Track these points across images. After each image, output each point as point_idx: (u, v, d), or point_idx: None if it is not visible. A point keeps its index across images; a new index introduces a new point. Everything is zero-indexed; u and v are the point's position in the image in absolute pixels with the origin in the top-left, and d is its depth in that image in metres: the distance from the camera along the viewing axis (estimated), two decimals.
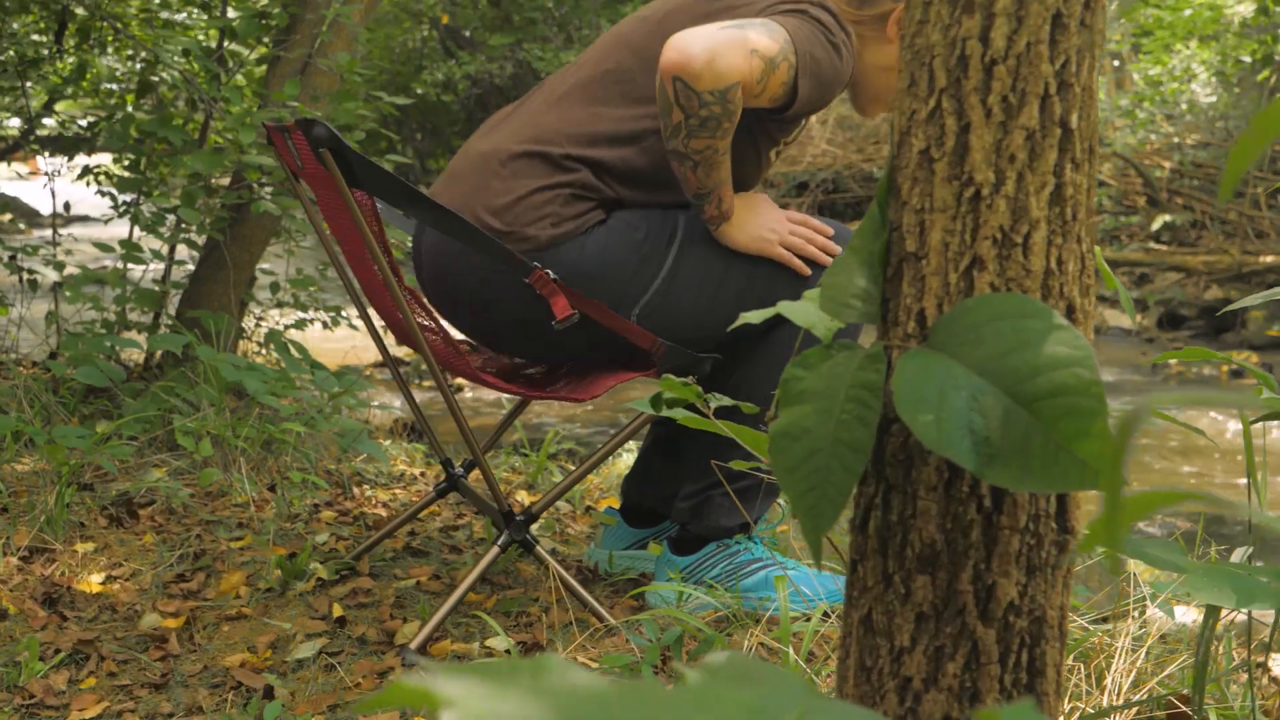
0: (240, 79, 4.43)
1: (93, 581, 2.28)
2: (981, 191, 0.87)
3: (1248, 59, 10.08)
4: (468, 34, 15.98)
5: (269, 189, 3.63)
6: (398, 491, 3.03)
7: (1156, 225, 10.94)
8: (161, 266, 4.06)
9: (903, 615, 0.90)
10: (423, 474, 3.26)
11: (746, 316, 1.04)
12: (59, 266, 4.01)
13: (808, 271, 2.05)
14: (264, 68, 4.68)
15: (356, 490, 2.96)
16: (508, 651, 1.92)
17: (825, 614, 1.99)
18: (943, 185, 0.88)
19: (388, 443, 3.56)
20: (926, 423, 0.82)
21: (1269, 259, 10.00)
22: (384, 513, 2.80)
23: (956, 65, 0.87)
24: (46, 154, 5.03)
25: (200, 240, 3.94)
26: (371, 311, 2.27)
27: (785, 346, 2.03)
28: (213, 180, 4.15)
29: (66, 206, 4.71)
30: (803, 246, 2.04)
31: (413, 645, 1.89)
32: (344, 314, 4.46)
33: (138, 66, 5.32)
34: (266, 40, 4.34)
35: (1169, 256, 10.50)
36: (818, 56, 1.90)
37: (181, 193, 3.51)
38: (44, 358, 4.27)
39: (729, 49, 1.81)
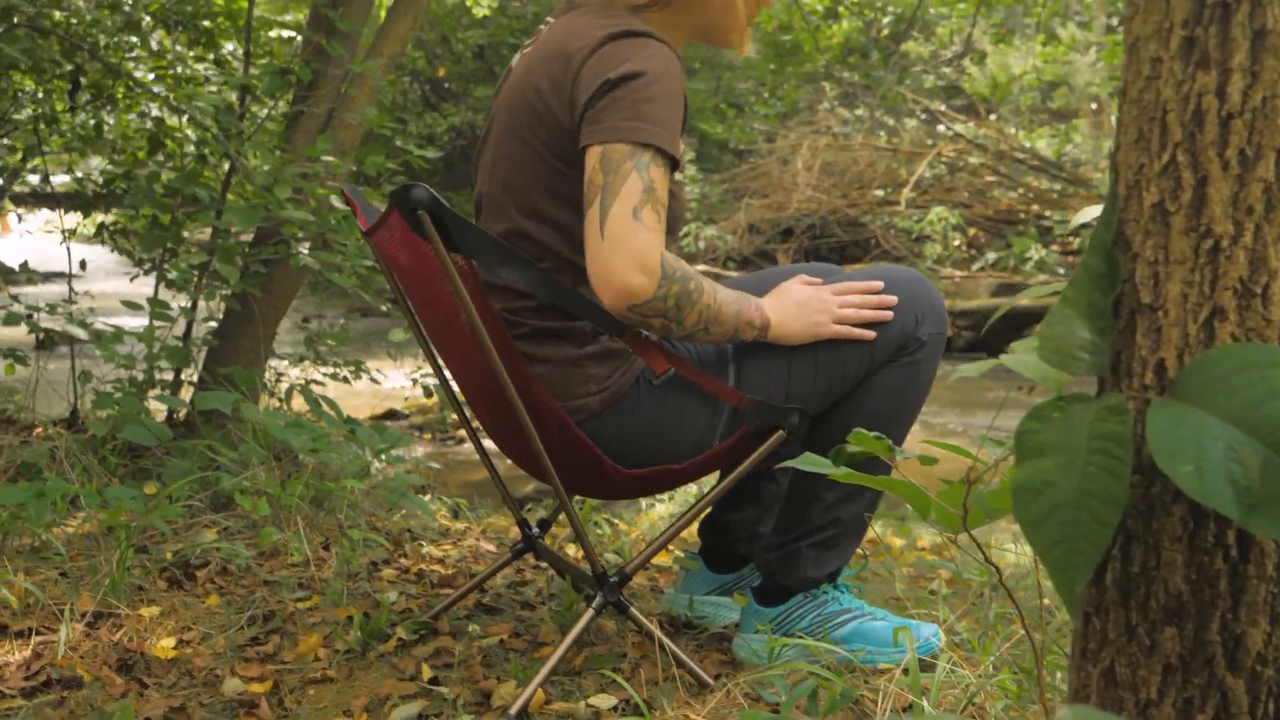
0: (265, 131, 4.42)
1: (165, 646, 2.25)
2: (1220, 243, 0.88)
3: None
4: (448, 85, 16.06)
5: (306, 243, 3.63)
6: (448, 548, 3.01)
7: None
8: (181, 322, 4.04)
9: (1148, 667, 0.90)
10: (468, 528, 3.24)
11: (964, 369, 1.04)
12: (84, 324, 3.99)
13: (871, 336, 2.00)
14: (277, 123, 4.68)
15: (408, 547, 2.94)
16: (614, 709, 1.90)
17: (923, 663, 1.98)
18: (1180, 238, 0.89)
19: (427, 497, 3.54)
20: (1187, 473, 0.83)
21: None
22: (442, 569, 2.78)
23: (1191, 120, 0.88)
24: (62, 211, 5.00)
25: (230, 295, 3.92)
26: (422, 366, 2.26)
27: (878, 395, 2.02)
28: (238, 235, 4.14)
29: (83, 264, 4.69)
30: (857, 315, 2.00)
31: (513, 710, 1.87)
32: (365, 368, 4.45)
33: (148, 124, 5.33)
34: (287, 96, 4.35)
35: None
36: (658, 114, 1.80)
37: (218, 249, 3.50)
38: (64, 416, 4.24)
39: (633, 243, 1.76)
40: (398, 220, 1.86)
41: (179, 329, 4.12)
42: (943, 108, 13.65)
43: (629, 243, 1.77)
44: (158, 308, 3.76)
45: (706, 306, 1.87)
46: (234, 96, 4.38)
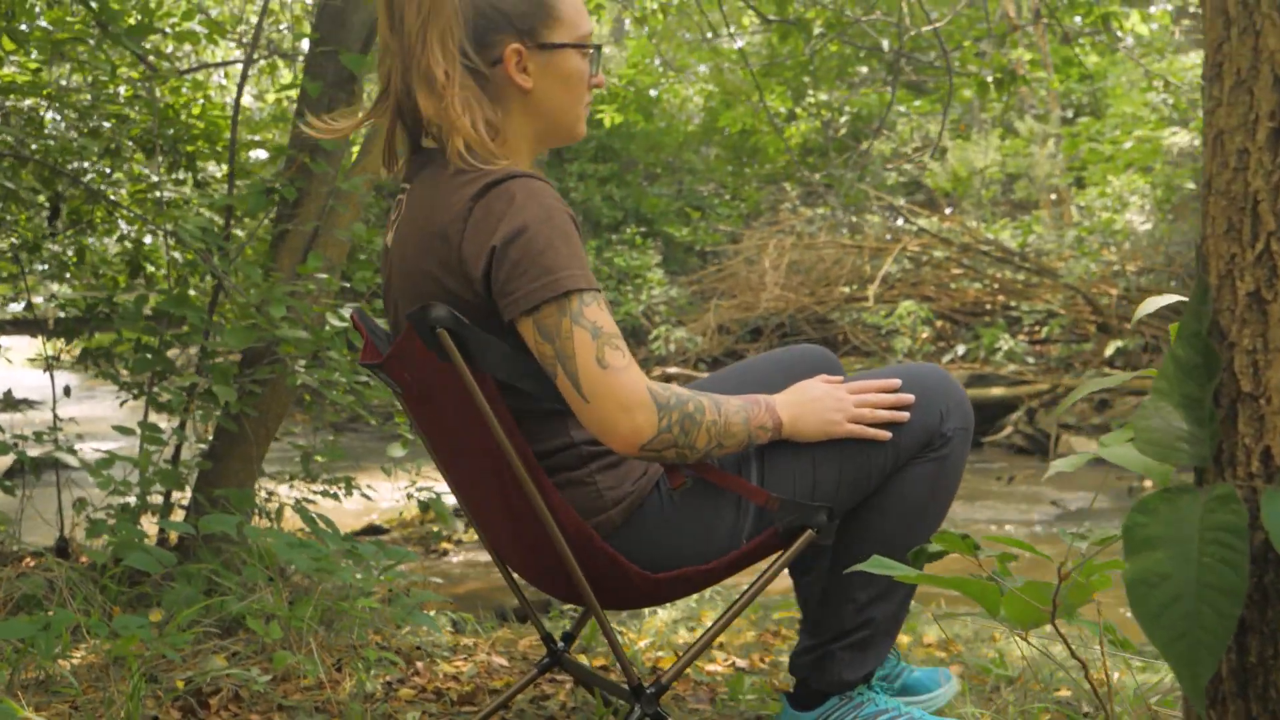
0: (249, 251, 4.43)
1: None
2: None
3: (1191, 185, 10.43)
4: None
5: (302, 362, 3.61)
6: (460, 664, 2.96)
7: (1110, 351, 11.18)
8: (169, 445, 4.00)
9: None
10: (476, 642, 3.19)
11: (1057, 465, 1.04)
12: (72, 450, 3.95)
13: (887, 437, 1.99)
14: (261, 242, 4.69)
15: (421, 664, 2.89)
16: None
17: None
18: (1278, 325, 0.90)
19: (432, 612, 3.49)
20: None
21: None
22: (459, 685, 2.73)
23: None
24: (44, 337, 4.97)
25: (225, 416, 3.90)
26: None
27: (906, 492, 2.02)
28: (227, 355, 4.12)
29: (67, 390, 4.65)
30: (872, 415, 1.99)
31: None
32: (356, 484, 4.42)
33: (127, 247, 5.33)
34: (270, 215, 4.36)
35: (1133, 382, 10.68)
36: (559, 258, 1.76)
37: (214, 370, 3.48)
38: (49, 544, 4.17)
39: (617, 391, 1.76)
40: (414, 342, 1.84)
41: (168, 451, 4.07)
42: (904, 203, 13.85)
43: (613, 392, 1.76)
44: (149, 431, 3.72)
45: (713, 423, 1.86)
46: (216, 217, 4.39)
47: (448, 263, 1.81)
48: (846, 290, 13.34)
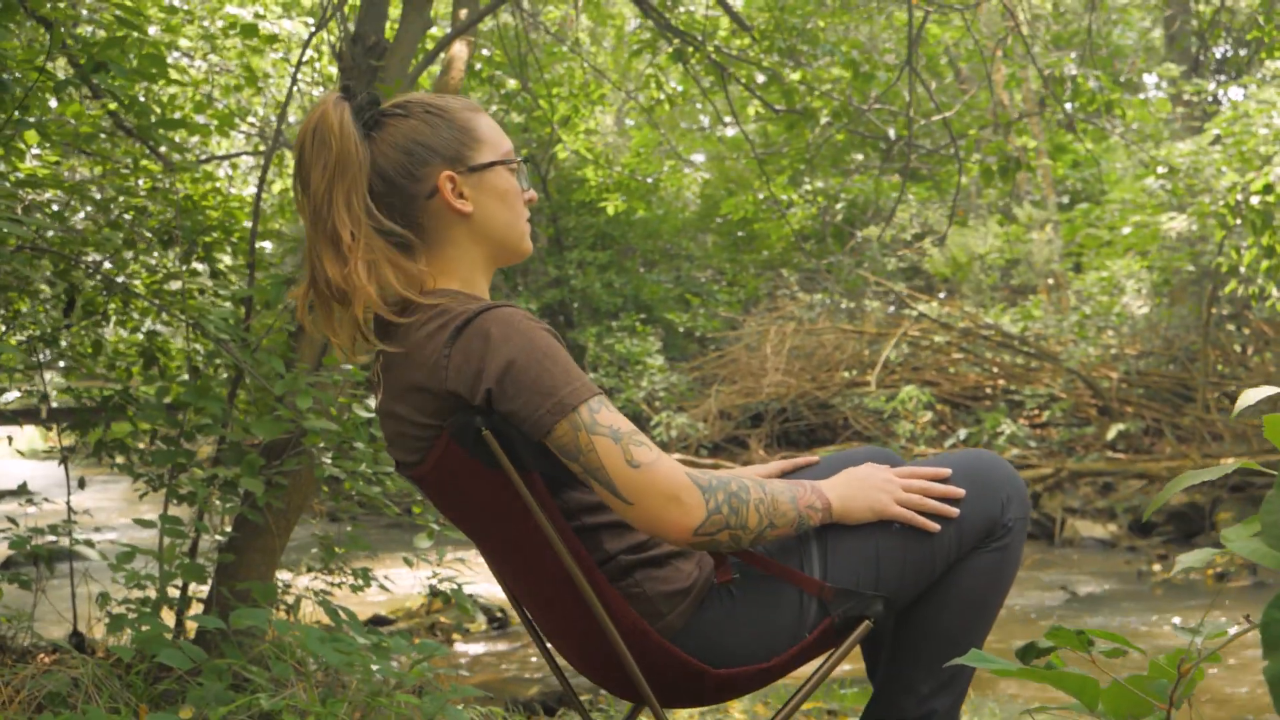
0: (267, 342, 4.43)
1: None
2: None
3: (1191, 267, 10.52)
4: None
5: (329, 453, 3.60)
6: None
7: (1112, 434, 11.19)
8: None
9: None
10: None
11: (1184, 560, 1.03)
12: (90, 544, 3.92)
13: (936, 528, 1.96)
14: (279, 334, 4.70)
15: None
16: None
17: None
18: None
19: (461, 705, 3.44)
20: None
21: (1230, 460, 10.20)
22: None
23: None
24: (58, 428, 4.95)
25: (250, 508, 3.87)
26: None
27: (968, 582, 2.00)
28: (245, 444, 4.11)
29: (81, 482, 4.63)
30: (921, 503, 1.96)
31: None
32: (372, 575, 4.38)
33: (140, 338, 5.33)
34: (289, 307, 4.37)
35: (1132, 465, 10.69)
36: (556, 377, 1.76)
37: (244, 463, 3.46)
38: (61, 638, 4.11)
39: (657, 484, 1.76)
40: (450, 449, 1.81)
41: (184, 544, 4.04)
42: (904, 289, 13.94)
43: (654, 486, 1.75)
44: (170, 524, 3.70)
45: (760, 500, 1.85)
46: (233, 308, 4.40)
47: (440, 411, 1.79)
48: (847, 375, 13.37)
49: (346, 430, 3.46)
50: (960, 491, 1.99)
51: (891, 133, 6.96)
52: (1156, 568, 8.84)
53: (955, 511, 1.97)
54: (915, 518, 1.96)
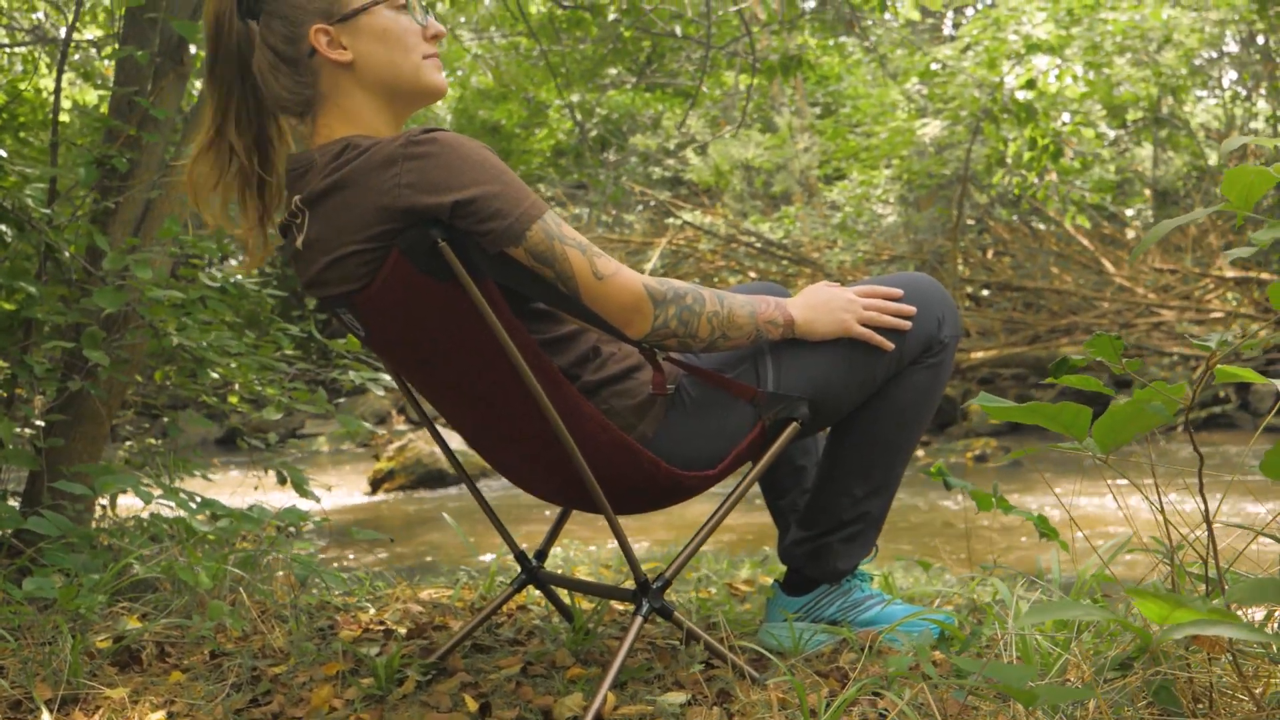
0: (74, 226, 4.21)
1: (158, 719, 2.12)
2: None
3: (946, 172, 11.07)
4: None
5: (173, 325, 3.48)
6: (385, 612, 2.93)
7: None
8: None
9: None
10: (381, 594, 3.16)
11: (1237, 251, 1.16)
12: None
13: (892, 347, 2.07)
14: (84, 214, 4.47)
15: (340, 617, 2.84)
16: (685, 705, 1.92)
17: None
18: None
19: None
20: None
21: (978, 355, 10.89)
22: (394, 625, 2.70)
23: None
24: None
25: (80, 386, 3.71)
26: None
27: (905, 395, 2.12)
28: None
29: None
30: (879, 319, 2.07)
31: (589, 717, 1.86)
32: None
33: None
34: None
35: None
36: (514, 191, 1.83)
37: (84, 335, 3.31)
38: None
39: (616, 294, 1.87)
40: (400, 266, 1.83)
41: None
42: (668, 197, 14.19)
43: (613, 298, 1.86)
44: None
45: (714, 314, 1.94)
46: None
47: (388, 232, 1.80)
48: None
49: (190, 297, 3.36)
50: (912, 309, 2.10)
51: (679, 30, 7.07)
52: (920, 454, 9.38)
53: (908, 325, 2.09)
54: (875, 336, 2.07)
